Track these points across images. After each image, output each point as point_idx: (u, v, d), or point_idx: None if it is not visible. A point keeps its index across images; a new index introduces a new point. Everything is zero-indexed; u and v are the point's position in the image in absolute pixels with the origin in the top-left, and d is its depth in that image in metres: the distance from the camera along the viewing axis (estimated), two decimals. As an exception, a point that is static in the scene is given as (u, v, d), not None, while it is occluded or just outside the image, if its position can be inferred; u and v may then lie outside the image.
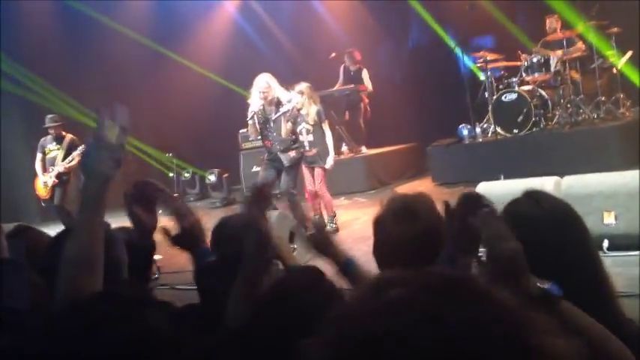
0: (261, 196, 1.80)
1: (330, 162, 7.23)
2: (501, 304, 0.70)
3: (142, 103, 11.18)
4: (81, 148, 7.96)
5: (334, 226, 7.26)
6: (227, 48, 12.38)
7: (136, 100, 10.26)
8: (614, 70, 8.88)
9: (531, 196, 1.69)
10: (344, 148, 10.37)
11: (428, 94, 10.86)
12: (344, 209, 8.33)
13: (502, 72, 9.42)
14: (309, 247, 1.99)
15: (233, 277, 1.71)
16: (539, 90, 8.80)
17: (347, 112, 10.52)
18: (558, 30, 9.08)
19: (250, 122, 7.26)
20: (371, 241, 2.09)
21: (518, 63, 9.25)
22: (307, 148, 7.19)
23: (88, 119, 10.04)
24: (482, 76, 9.58)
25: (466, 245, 1.72)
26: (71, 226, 1.68)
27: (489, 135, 9.15)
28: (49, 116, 8.50)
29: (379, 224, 2.05)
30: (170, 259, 6.86)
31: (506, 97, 8.80)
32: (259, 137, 7.62)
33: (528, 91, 8.73)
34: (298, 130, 7.16)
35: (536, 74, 8.94)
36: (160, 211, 1.93)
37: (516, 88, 8.79)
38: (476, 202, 1.70)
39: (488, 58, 9.25)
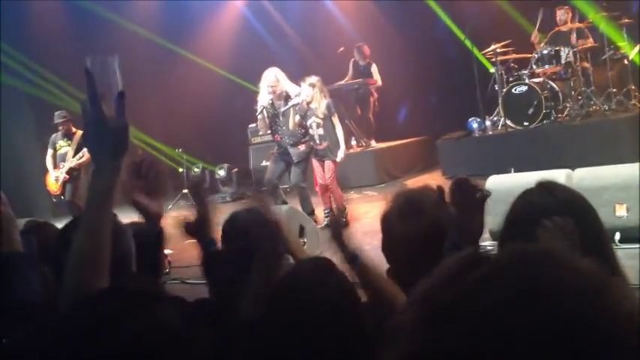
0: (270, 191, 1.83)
1: (340, 155, 7.22)
2: (590, 272, 0.71)
3: (152, 99, 11.22)
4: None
5: (344, 220, 7.25)
6: (236, 44, 12.39)
7: (145, 96, 10.29)
8: (626, 62, 8.81)
9: (544, 186, 1.67)
10: (353, 142, 10.36)
11: (438, 87, 10.82)
12: (354, 203, 8.31)
13: (512, 64, 9.36)
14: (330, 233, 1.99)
15: (243, 271, 1.71)
16: (550, 82, 8.74)
17: (358, 107, 10.52)
18: (569, 22, 9.01)
19: (260, 117, 7.26)
20: (380, 235, 2.09)
21: (529, 55, 9.19)
22: (318, 141, 7.18)
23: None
24: (492, 69, 9.51)
25: (467, 232, 1.72)
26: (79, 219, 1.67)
27: (499, 128, 9.11)
28: (58, 112, 8.56)
29: (385, 221, 2.05)
30: (180, 254, 6.89)
31: (516, 90, 8.74)
32: (269, 132, 7.62)
33: (539, 84, 8.67)
34: (308, 123, 7.16)
35: (547, 66, 8.87)
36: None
37: (527, 81, 8.74)
38: (469, 186, 1.70)
39: (498, 50, 9.19)
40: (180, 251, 6.96)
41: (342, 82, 10.53)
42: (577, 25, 8.88)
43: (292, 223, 5.56)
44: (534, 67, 8.98)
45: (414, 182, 9.27)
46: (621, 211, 4.93)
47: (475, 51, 9.55)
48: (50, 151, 8.51)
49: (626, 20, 8.64)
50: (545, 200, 1.62)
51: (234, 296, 1.68)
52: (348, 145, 9.31)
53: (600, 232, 1.62)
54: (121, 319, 1.03)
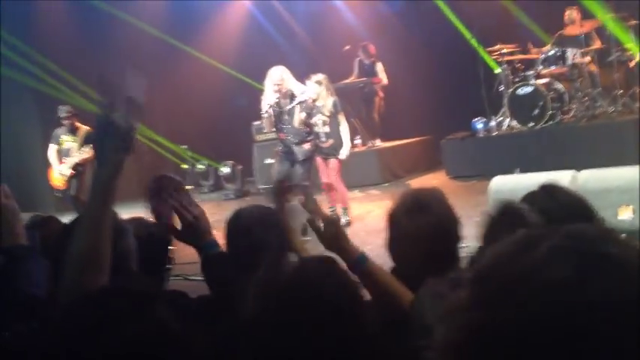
0: (284, 189, 1.81)
1: (345, 153, 7.22)
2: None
3: (157, 95, 11.21)
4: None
5: (348, 218, 7.25)
6: (242, 42, 12.38)
7: (151, 93, 10.26)
8: (632, 64, 8.77)
9: (547, 189, 1.68)
10: (357, 141, 10.36)
11: (443, 87, 10.79)
12: (357, 202, 8.32)
13: (518, 65, 9.33)
14: (321, 241, 1.98)
15: (246, 268, 1.71)
16: (556, 83, 8.71)
17: (363, 106, 10.51)
18: (577, 22, 8.97)
19: (265, 115, 7.27)
20: (384, 234, 2.09)
21: (535, 56, 9.16)
22: (323, 139, 7.19)
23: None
24: (498, 69, 9.49)
25: None
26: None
27: (504, 128, 9.08)
28: (62, 107, 8.54)
29: (392, 219, 2.05)
30: (183, 250, 6.90)
31: (522, 91, 8.71)
32: (273, 130, 7.63)
33: (545, 84, 8.64)
34: (314, 121, 7.16)
35: (553, 67, 8.84)
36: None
37: (532, 81, 8.71)
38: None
39: (504, 50, 9.16)
40: (183, 247, 7.00)
41: (348, 80, 10.53)
42: (585, 26, 8.84)
43: (295, 222, 5.55)
44: (540, 67, 8.95)
45: (417, 182, 9.27)
46: (626, 213, 4.91)
47: (481, 51, 9.52)
48: (54, 146, 8.50)
49: (634, 22, 8.60)
50: (548, 203, 1.63)
51: (236, 295, 1.67)
52: (352, 144, 9.30)
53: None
54: (119, 319, 1.03)
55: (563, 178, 5.03)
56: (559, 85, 8.69)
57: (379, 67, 10.41)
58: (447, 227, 1.93)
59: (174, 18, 12.09)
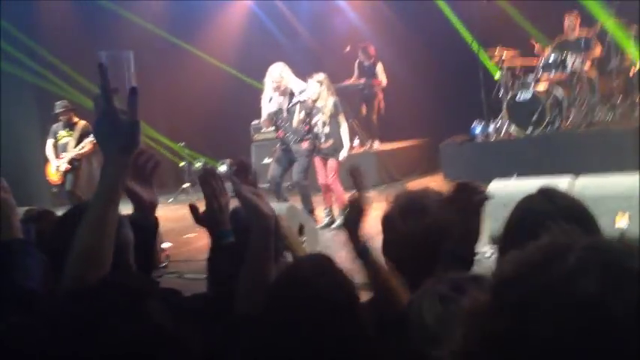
0: (243, 167, 1.80)
1: (343, 154, 7.22)
2: None
3: (156, 93, 11.21)
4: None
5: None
6: (244, 41, 12.38)
7: (149, 90, 10.27)
8: (632, 72, 8.78)
9: (545, 193, 1.67)
10: (356, 142, 10.36)
11: (443, 90, 10.80)
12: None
13: (518, 70, 9.34)
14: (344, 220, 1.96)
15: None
16: (555, 89, 8.72)
17: (362, 107, 10.52)
18: (577, 28, 8.98)
19: (264, 113, 7.26)
20: (380, 237, 2.08)
21: (535, 61, 9.17)
22: (323, 140, 7.18)
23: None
24: (498, 74, 9.49)
25: (464, 236, 1.72)
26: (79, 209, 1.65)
27: (503, 134, 9.09)
28: (59, 102, 8.55)
29: (387, 221, 2.04)
30: (179, 248, 6.90)
31: (521, 96, 8.72)
32: (272, 128, 7.63)
33: (543, 91, 8.66)
34: (314, 122, 7.15)
35: (553, 73, 8.85)
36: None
37: (532, 87, 8.72)
38: (469, 189, 1.70)
39: (504, 55, 9.17)
40: (179, 245, 6.98)
41: (348, 82, 10.53)
42: (585, 33, 8.85)
43: (292, 222, 5.56)
44: (540, 73, 8.96)
45: (414, 185, 9.27)
46: (623, 220, 4.91)
47: (481, 55, 9.53)
48: (51, 141, 8.50)
49: (635, 27, 8.61)
50: (545, 206, 1.62)
51: (232, 293, 1.66)
52: (351, 145, 9.30)
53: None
54: (113, 318, 1.02)
55: (560, 184, 5.03)
56: (558, 92, 8.70)
57: (379, 68, 10.41)
58: (443, 228, 1.92)
59: (176, 16, 12.08)
